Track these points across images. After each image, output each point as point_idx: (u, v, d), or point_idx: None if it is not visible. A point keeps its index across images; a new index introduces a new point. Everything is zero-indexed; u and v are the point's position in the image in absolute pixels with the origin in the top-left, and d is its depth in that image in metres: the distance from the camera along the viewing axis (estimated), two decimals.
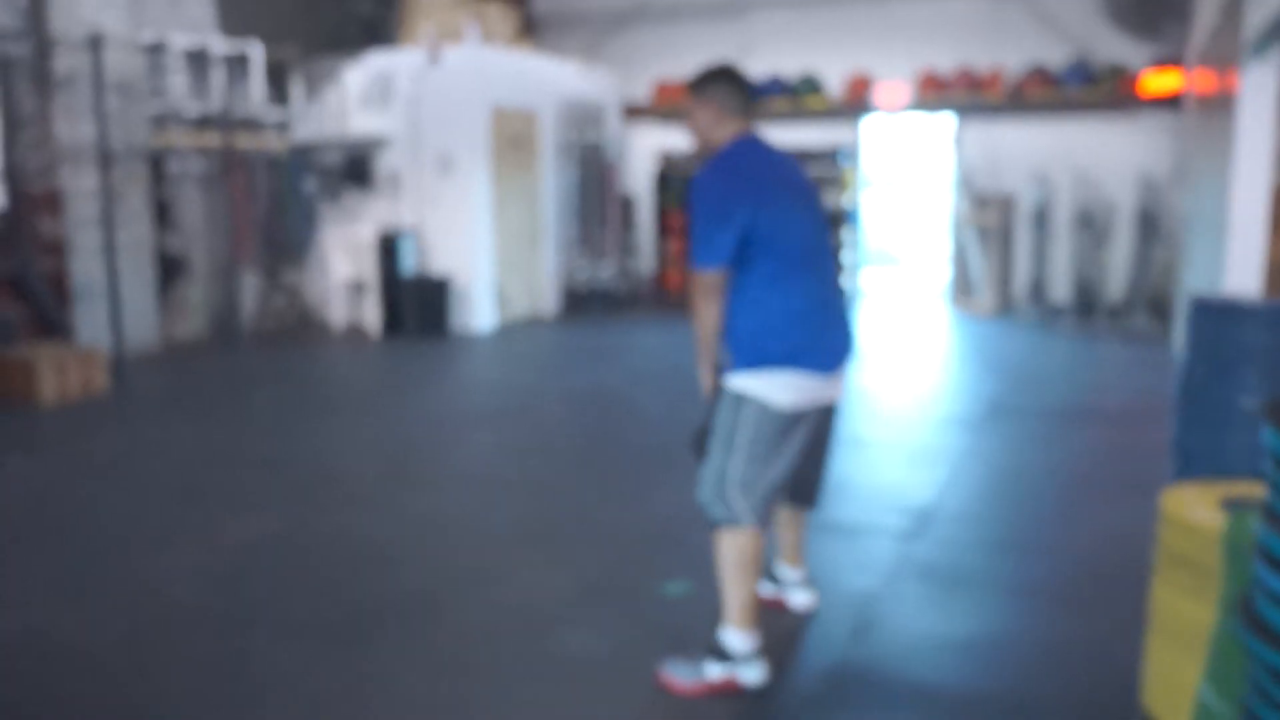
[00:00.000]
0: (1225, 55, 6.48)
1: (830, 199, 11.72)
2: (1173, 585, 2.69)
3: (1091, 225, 10.53)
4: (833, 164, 11.61)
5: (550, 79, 10.89)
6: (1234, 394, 3.00)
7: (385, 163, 10.03)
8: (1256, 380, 2.95)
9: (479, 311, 9.95)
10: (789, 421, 3.04)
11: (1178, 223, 10.06)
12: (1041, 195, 10.95)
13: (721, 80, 3.17)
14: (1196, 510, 2.67)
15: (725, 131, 3.14)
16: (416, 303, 9.63)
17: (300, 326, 10.26)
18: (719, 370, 3.15)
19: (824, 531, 4.29)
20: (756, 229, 3.00)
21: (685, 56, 12.41)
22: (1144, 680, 2.86)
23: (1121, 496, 5.07)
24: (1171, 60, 10.18)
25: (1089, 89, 10.46)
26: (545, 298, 11.10)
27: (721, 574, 3.13)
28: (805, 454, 3.21)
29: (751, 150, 3.15)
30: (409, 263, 9.71)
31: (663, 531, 4.49)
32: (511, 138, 10.29)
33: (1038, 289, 11.11)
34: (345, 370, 8.56)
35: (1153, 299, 10.30)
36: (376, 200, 10.12)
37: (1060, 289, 10.83)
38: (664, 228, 12.73)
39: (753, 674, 3.08)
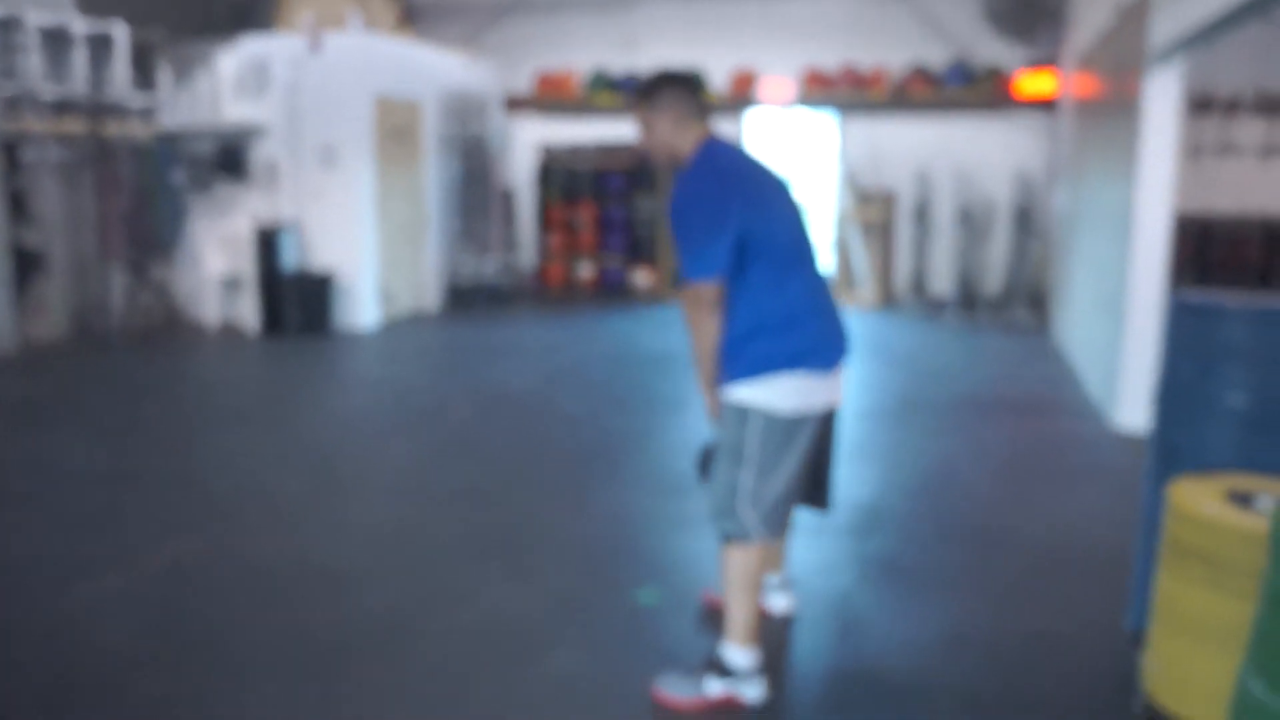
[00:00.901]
0: (1120, 60, 6.74)
1: None
2: (1185, 578, 2.72)
3: (971, 221, 10.87)
4: None
5: (434, 69, 10.56)
6: (1220, 391, 3.08)
7: (261, 153, 9.53)
8: (1243, 377, 3.04)
9: (362, 309, 9.58)
10: (795, 427, 2.95)
11: (1052, 219, 10.50)
12: (922, 192, 11.24)
13: (674, 85, 3.04)
14: (1209, 505, 2.71)
15: (689, 138, 3.02)
16: (298, 300, 9.19)
17: (169, 325, 9.65)
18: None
19: None
20: (749, 233, 2.88)
21: (567, 48, 12.31)
22: (1149, 671, 2.89)
23: (1054, 484, 5.23)
24: (1046, 63, 10.60)
25: (968, 89, 10.79)
26: (428, 294, 10.78)
27: (727, 589, 3.03)
28: (813, 457, 3.13)
29: (725, 152, 3.05)
30: (289, 258, 9.25)
31: (615, 536, 4.38)
32: (395, 129, 9.93)
33: (919, 283, 11.42)
34: (231, 373, 8.08)
35: (1031, 292, 10.71)
36: (252, 192, 9.60)
37: (941, 282, 11.16)
38: (546, 222, 12.57)
39: (753, 691, 3.00)
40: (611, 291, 12.30)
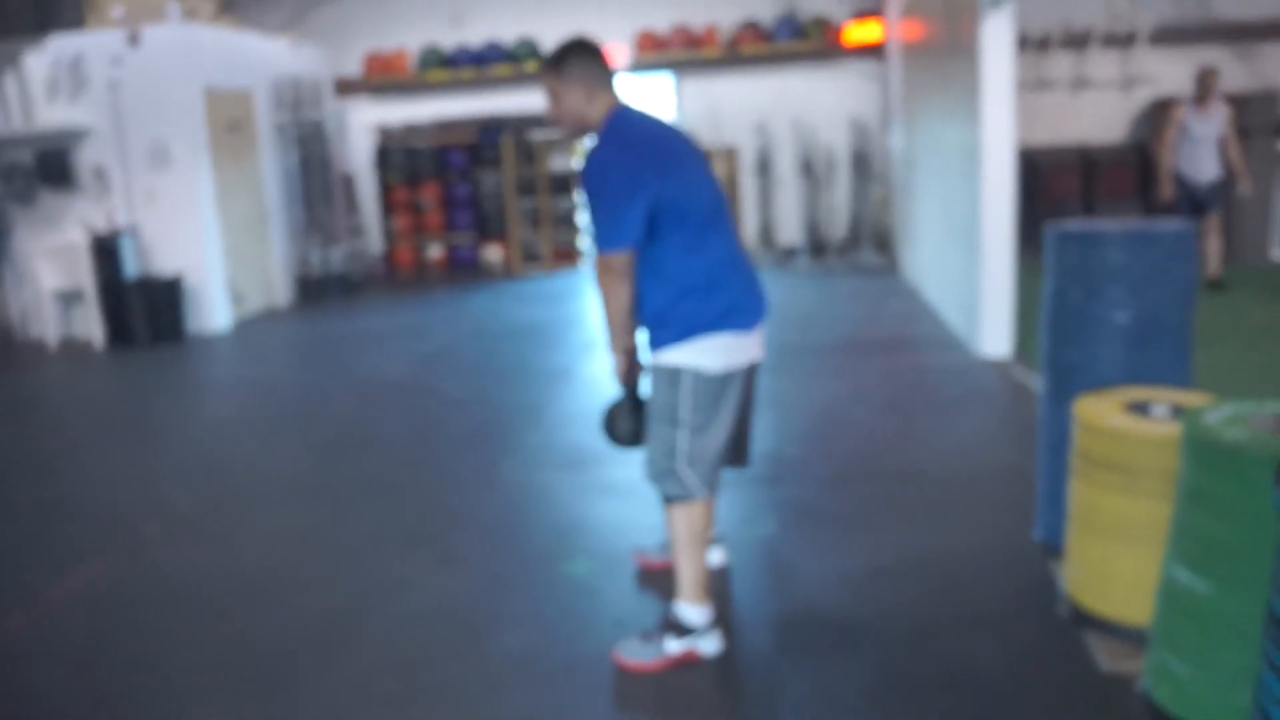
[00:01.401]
0: (951, 4, 7.07)
1: (559, 161, 11.77)
2: (1100, 486, 2.94)
3: (812, 169, 11.20)
4: None
5: (261, 57, 10.15)
6: (1106, 311, 3.32)
7: (87, 158, 8.99)
8: (1124, 296, 3.29)
9: (213, 311, 9.20)
10: (724, 384, 3.03)
11: (890, 161, 10.92)
12: (763, 144, 11.51)
13: (582, 54, 3.04)
14: (1115, 417, 2.93)
15: (599, 107, 3.03)
16: (144, 308, 8.75)
17: (1, 347, 9.06)
18: (636, 350, 3.11)
19: None
20: (663, 200, 2.91)
21: (394, 28, 12.04)
22: (1069, 575, 3.13)
23: (936, 414, 5.53)
24: (871, 11, 10.98)
25: (798, 41, 11.08)
26: (278, 289, 10.43)
27: (674, 549, 3.11)
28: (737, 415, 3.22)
29: (637, 120, 3.07)
30: (130, 265, 8.79)
31: (531, 511, 4.43)
32: (228, 122, 9.53)
33: (767, 233, 11.71)
34: (88, 389, 7.63)
35: (876, 234, 11.14)
36: (81, 200, 9.06)
37: (788, 232, 11.46)
38: (389, 205, 12.31)
39: (710, 644, 3.09)
40: (463, 270, 12.17)
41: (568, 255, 11.93)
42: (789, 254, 11.24)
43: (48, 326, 9.05)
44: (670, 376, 2.99)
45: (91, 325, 8.89)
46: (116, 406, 6.91)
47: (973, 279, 6.61)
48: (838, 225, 11.38)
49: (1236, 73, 10.66)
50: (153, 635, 3.46)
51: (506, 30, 11.77)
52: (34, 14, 9.19)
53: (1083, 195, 10.71)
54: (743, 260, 3.18)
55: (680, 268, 2.98)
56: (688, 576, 3.09)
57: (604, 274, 2.98)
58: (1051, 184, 10.41)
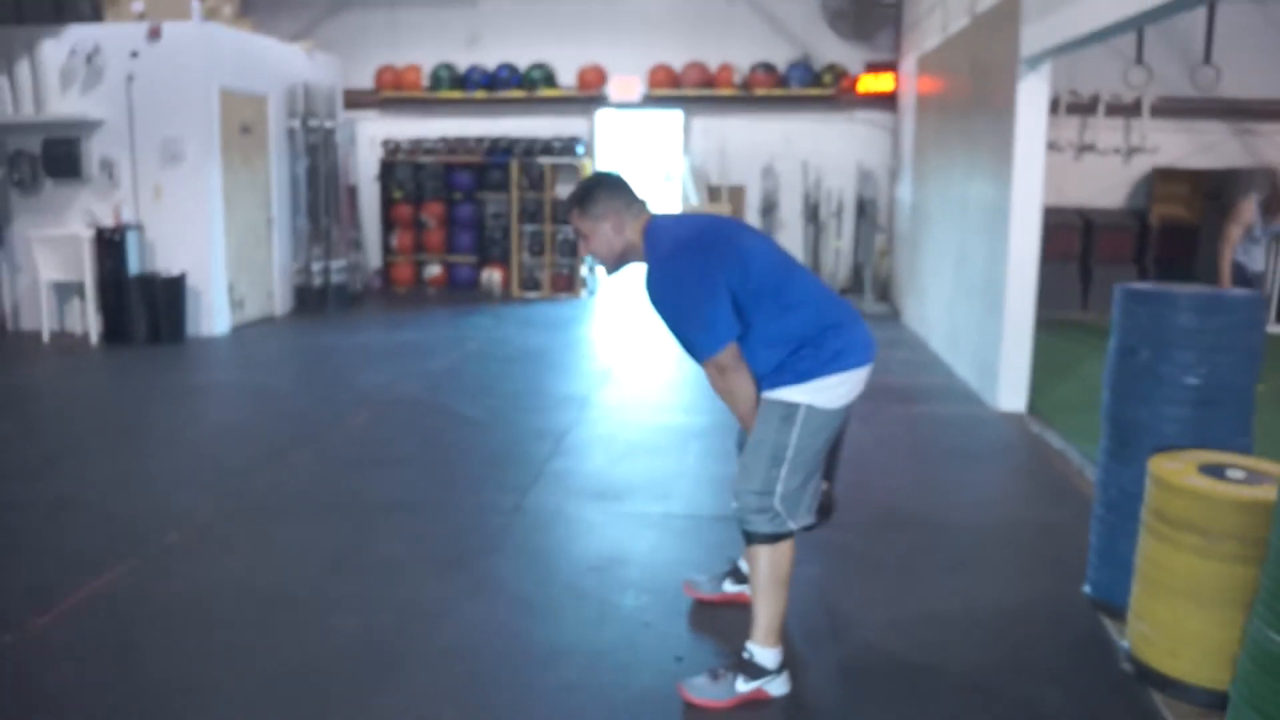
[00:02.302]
0: (979, 63, 7.17)
1: (566, 189, 11.79)
2: (1176, 546, 2.96)
3: (817, 214, 11.30)
4: (569, 154, 11.65)
5: (278, 62, 10.11)
6: (1175, 373, 3.36)
7: (97, 150, 8.88)
8: (1194, 359, 3.33)
9: (213, 313, 9.09)
10: (832, 419, 3.01)
11: (896, 211, 11.03)
12: (769, 186, 11.59)
13: (602, 189, 3.03)
14: (1193, 478, 2.96)
15: (630, 234, 3.03)
16: (145, 306, 8.63)
17: None
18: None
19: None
20: (734, 282, 2.90)
21: (409, 43, 12.06)
22: (1136, 633, 3.13)
23: (963, 465, 5.58)
24: (885, 63, 11.13)
25: (811, 87, 11.20)
26: (277, 296, 10.32)
27: (756, 589, 3.05)
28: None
29: (674, 224, 3.07)
30: (134, 262, 8.67)
31: (566, 540, 4.37)
32: (240, 124, 9.46)
33: None
34: (85, 386, 7.48)
35: (878, 282, 11.23)
36: (87, 192, 8.94)
37: None
38: (390, 220, 12.24)
39: (779, 686, 3.06)
40: (460, 291, 12.10)
41: (567, 283, 11.91)
42: None
43: (42, 319, 8.88)
44: (786, 412, 2.95)
45: (89, 320, 8.74)
46: (121, 406, 6.77)
47: (990, 333, 6.67)
48: (839, 271, 11.45)
49: (1234, 148, 10.93)
50: (183, 646, 3.36)
51: (521, 55, 11.80)
52: (52, 3, 9.07)
53: (1081, 257, 10.89)
54: (841, 301, 3.16)
55: (782, 330, 2.95)
56: (765, 619, 3.05)
57: (720, 376, 2.97)
58: (1051, 244, 10.55)
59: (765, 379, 2.98)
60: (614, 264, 3.10)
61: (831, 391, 2.96)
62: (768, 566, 3.01)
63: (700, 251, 2.94)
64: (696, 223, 3.11)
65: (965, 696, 3.07)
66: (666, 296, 2.94)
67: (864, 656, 3.33)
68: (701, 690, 3.02)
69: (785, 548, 3.01)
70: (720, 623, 3.48)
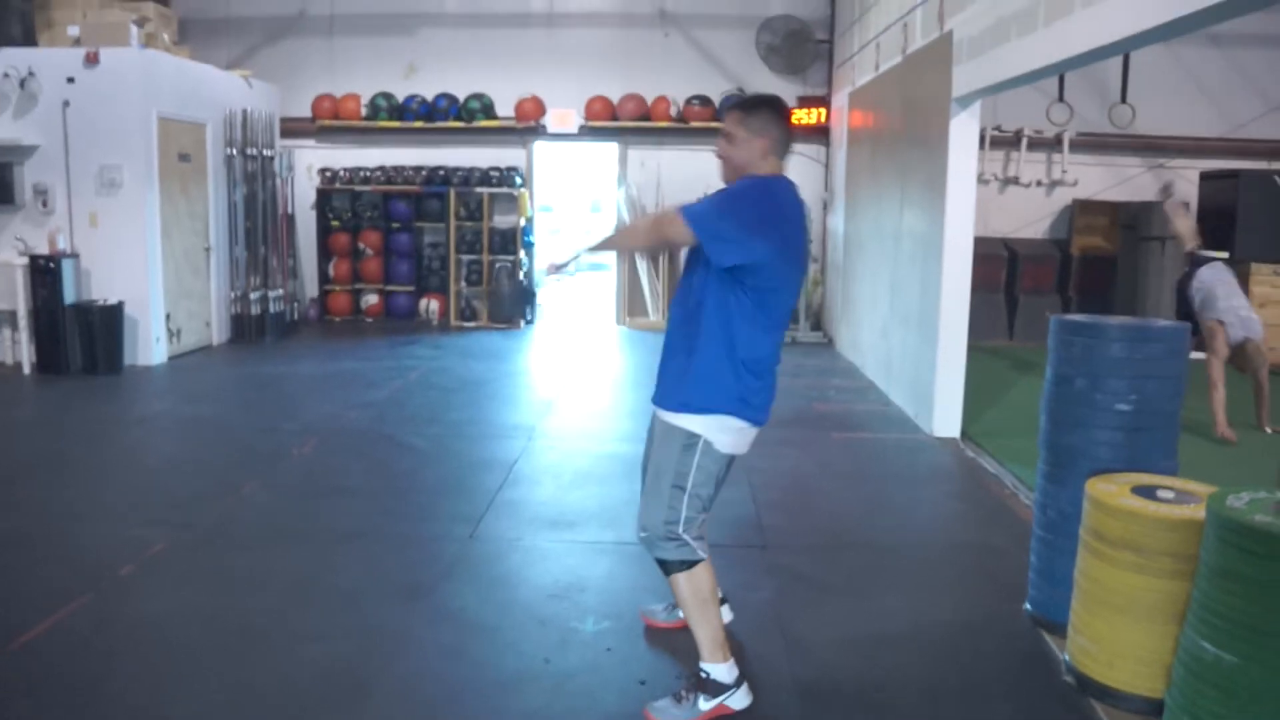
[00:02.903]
0: (911, 100, 7.44)
1: (504, 219, 11.87)
2: (1113, 564, 3.14)
3: None
4: (507, 184, 11.73)
5: (215, 89, 10.05)
6: (1107, 400, 3.56)
7: (30, 176, 8.74)
8: (1125, 388, 3.53)
9: (149, 343, 8.97)
10: (723, 464, 3.19)
11: (829, 241, 11.30)
12: None
13: (774, 113, 3.10)
14: (1127, 500, 3.15)
15: (767, 167, 3.09)
16: (81, 336, 8.50)
17: None
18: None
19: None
20: (763, 263, 2.96)
21: (347, 72, 12.07)
22: (1076, 646, 3.31)
23: (903, 489, 5.76)
24: (817, 99, 11.44)
25: None
26: (213, 325, 10.22)
27: (688, 614, 3.20)
28: None
29: (791, 196, 3.13)
30: (69, 291, 8.54)
31: (523, 567, 4.42)
32: (179, 152, 9.39)
33: None
34: (20, 417, 7.32)
35: (813, 310, 11.48)
36: (19, 219, 8.79)
37: None
38: (326, 249, 12.18)
39: (740, 699, 3.18)
40: (398, 320, 12.08)
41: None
42: None
43: None
44: (687, 441, 3.11)
45: (21, 349, 8.58)
46: (62, 437, 6.65)
47: (925, 361, 6.90)
48: None
49: (1149, 181, 11.42)
50: (148, 679, 3.35)
51: (459, 85, 11.88)
52: None
53: (1006, 287, 11.26)
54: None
55: (748, 341, 3.06)
56: (706, 637, 3.18)
57: (660, 223, 3.01)
58: (979, 274, 10.90)
59: (691, 379, 3.08)
60: (732, 175, 3.11)
61: (730, 435, 3.12)
62: (689, 590, 3.15)
63: (780, 219, 3.02)
64: (797, 212, 3.15)
65: (918, 711, 3.22)
66: (737, 193, 3.00)
67: (820, 675, 3.45)
68: (666, 713, 3.12)
69: (701, 570, 3.16)
70: (679, 646, 3.57)
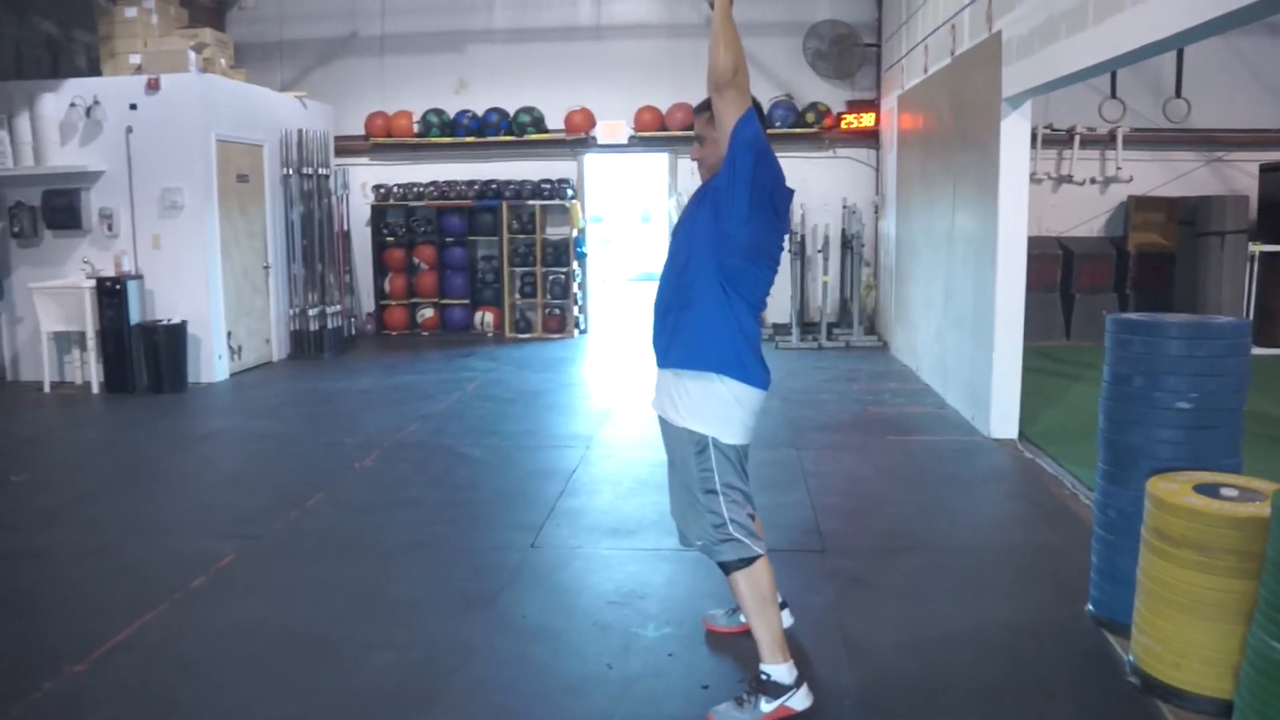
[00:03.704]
0: (962, 102, 7.41)
1: (556, 231, 11.98)
2: (1177, 563, 3.12)
3: (803, 249, 11.50)
4: (559, 196, 11.84)
5: (272, 111, 10.28)
6: (1167, 398, 3.53)
7: (96, 201, 9.01)
8: (1185, 385, 3.50)
9: (212, 361, 9.20)
10: (743, 453, 3.25)
11: (883, 245, 11.25)
12: None
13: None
14: (1190, 498, 3.12)
15: None
16: (147, 355, 8.73)
17: None
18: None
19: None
20: (741, 238, 3.04)
21: (398, 89, 12.25)
22: (1140, 647, 3.28)
23: (961, 492, 5.73)
24: (866, 101, 11.42)
25: (795, 125, 11.46)
26: (274, 342, 10.43)
27: (747, 612, 3.23)
28: None
29: (781, 177, 3.17)
30: (134, 311, 8.78)
31: (583, 573, 4.47)
32: (237, 173, 9.61)
33: None
34: (91, 436, 7.54)
35: (867, 314, 11.44)
36: (86, 243, 9.06)
37: (779, 309, 11.69)
38: (382, 264, 12.37)
39: (801, 700, 3.20)
40: (453, 333, 12.24)
41: (559, 324, 12.08)
42: (779, 332, 11.47)
43: (43, 369, 8.96)
44: (698, 445, 3.17)
45: (90, 369, 8.83)
46: (130, 454, 6.85)
47: (980, 363, 6.86)
48: (827, 305, 11.64)
49: (1205, 176, 11.23)
50: (221, 687, 3.46)
51: (509, 99, 12.02)
52: (49, 58, 9.23)
53: (1062, 286, 11.13)
54: None
55: (737, 317, 3.13)
56: (766, 638, 3.21)
57: (741, 82, 3.02)
58: (1033, 274, 10.80)
59: (704, 340, 3.12)
60: (713, 172, 3.17)
61: (734, 420, 3.16)
62: (748, 589, 3.18)
63: (779, 188, 3.10)
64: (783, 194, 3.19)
65: (981, 712, 3.21)
66: (764, 151, 3.03)
67: (880, 678, 3.46)
68: (729, 716, 3.15)
69: (760, 567, 3.19)
70: (740, 651, 3.60)
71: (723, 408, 3.14)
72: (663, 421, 3.32)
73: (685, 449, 3.20)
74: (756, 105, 3.17)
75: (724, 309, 3.11)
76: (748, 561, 3.18)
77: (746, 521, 3.20)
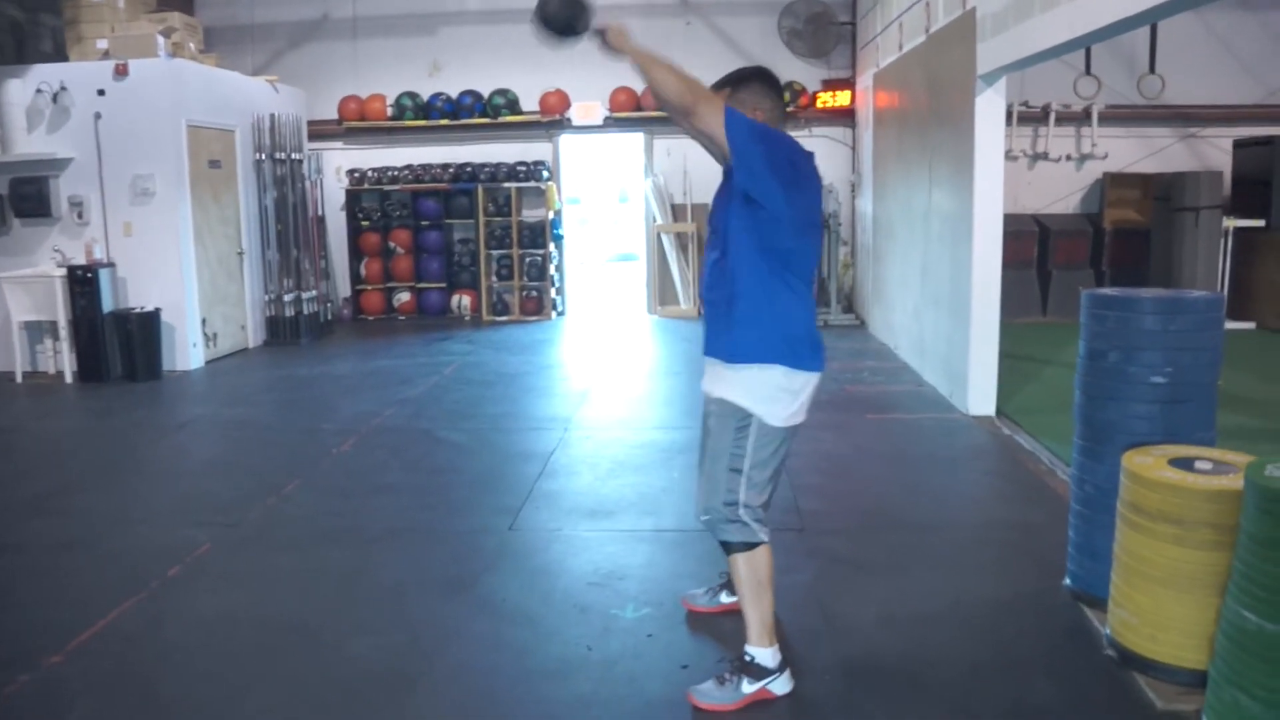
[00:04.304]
0: (937, 79, 7.41)
1: (532, 213, 11.93)
2: (1152, 536, 3.14)
3: None
4: (535, 179, 11.78)
5: (244, 95, 10.16)
6: (1142, 373, 3.55)
7: (65, 188, 8.89)
8: (1160, 360, 3.52)
9: (187, 348, 9.12)
10: (787, 437, 3.19)
11: (860, 224, 11.26)
12: None
13: (763, 83, 3.13)
14: (1166, 472, 3.14)
15: None
16: (120, 344, 8.65)
17: None
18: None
19: None
20: (779, 226, 2.97)
21: (371, 73, 12.15)
22: (1117, 620, 3.31)
23: (940, 469, 5.76)
24: (841, 81, 11.40)
25: None
26: (249, 328, 10.35)
27: (741, 594, 3.22)
28: None
29: (808, 161, 3.12)
30: (108, 299, 8.69)
31: (563, 555, 4.46)
32: (209, 159, 9.51)
33: None
34: (65, 426, 7.44)
35: (845, 292, 11.47)
36: (56, 231, 8.95)
37: None
38: (357, 249, 12.29)
39: (782, 684, 3.20)
40: (430, 317, 12.18)
41: (536, 306, 12.04)
42: None
43: (15, 359, 8.86)
44: (740, 422, 3.10)
45: (63, 359, 8.74)
46: (105, 443, 6.78)
47: (958, 340, 6.88)
48: None
49: (1181, 152, 11.28)
50: (201, 676, 3.43)
51: (483, 81, 11.94)
52: (13, 43, 9.08)
53: (1038, 263, 11.18)
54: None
55: (793, 310, 3.08)
56: (756, 620, 3.20)
57: (699, 90, 2.89)
58: (1010, 251, 10.84)
59: (746, 327, 3.06)
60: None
61: (784, 402, 3.10)
62: (747, 571, 3.17)
63: (795, 167, 3.02)
64: (810, 171, 3.13)
65: (961, 688, 3.23)
66: (764, 133, 2.94)
67: (861, 654, 3.47)
68: (709, 695, 3.15)
69: (761, 552, 3.18)
70: (720, 630, 3.62)
71: (774, 390, 3.08)
72: (707, 398, 3.22)
73: (727, 422, 3.12)
74: (766, 72, 3.16)
75: (771, 297, 3.04)
76: (750, 546, 3.17)
77: (759, 508, 3.17)
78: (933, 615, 3.76)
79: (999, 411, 6.72)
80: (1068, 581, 3.88)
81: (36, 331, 9.02)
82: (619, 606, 3.88)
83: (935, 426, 6.57)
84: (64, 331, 8.69)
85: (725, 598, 3.80)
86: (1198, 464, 3.21)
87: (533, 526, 4.83)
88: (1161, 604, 3.15)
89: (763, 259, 3.02)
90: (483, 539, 4.67)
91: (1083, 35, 4.85)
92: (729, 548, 3.21)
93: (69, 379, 8.75)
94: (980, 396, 6.68)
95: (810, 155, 3.15)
